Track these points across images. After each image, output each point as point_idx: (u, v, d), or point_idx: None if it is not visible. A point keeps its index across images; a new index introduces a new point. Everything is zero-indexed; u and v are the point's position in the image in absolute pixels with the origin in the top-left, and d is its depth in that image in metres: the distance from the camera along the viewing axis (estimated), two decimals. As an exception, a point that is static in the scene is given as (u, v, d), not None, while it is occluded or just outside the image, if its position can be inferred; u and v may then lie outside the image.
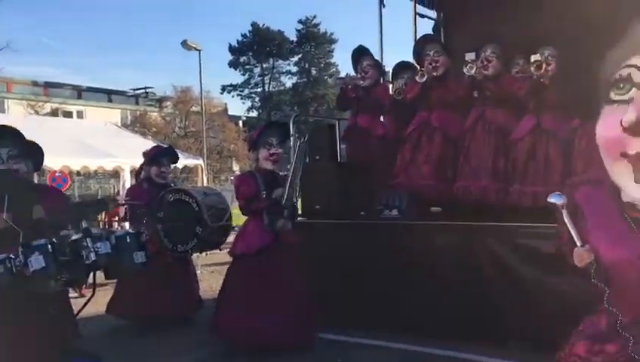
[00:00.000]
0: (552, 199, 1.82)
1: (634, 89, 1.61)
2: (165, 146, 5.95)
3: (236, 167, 31.61)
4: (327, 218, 5.43)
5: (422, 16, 7.68)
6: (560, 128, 4.70)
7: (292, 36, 44.22)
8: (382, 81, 6.32)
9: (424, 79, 5.38)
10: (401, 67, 6.32)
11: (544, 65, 4.73)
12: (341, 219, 5.33)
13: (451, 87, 5.37)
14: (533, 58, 4.79)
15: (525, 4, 6.03)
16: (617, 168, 1.65)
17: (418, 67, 5.76)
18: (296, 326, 4.31)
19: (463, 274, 4.40)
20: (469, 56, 5.21)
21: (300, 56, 45.02)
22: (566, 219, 1.78)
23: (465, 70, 5.14)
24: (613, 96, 1.66)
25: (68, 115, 29.03)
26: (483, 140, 5.10)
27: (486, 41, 5.27)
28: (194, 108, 29.85)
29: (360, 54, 6.03)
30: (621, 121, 1.58)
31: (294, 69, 45.46)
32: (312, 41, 44.18)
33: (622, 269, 1.67)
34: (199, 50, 19.38)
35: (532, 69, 4.78)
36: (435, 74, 5.39)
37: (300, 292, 4.42)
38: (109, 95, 38.82)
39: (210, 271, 8.39)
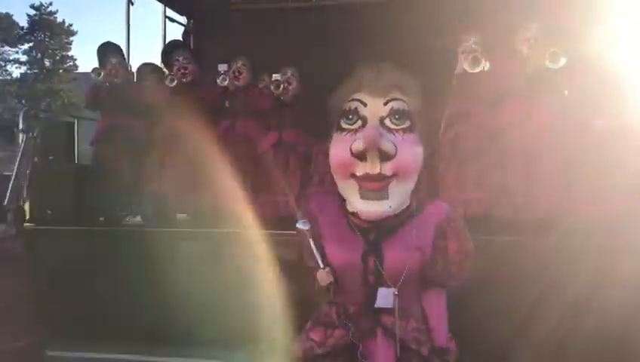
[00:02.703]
0: (299, 225, 2.03)
1: (359, 121, 1.96)
2: None
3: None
4: (60, 224, 4.96)
5: (172, 20, 7.58)
6: (300, 143, 5.13)
7: (22, 22, 39.59)
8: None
9: (174, 83, 5.32)
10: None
11: (283, 85, 5.12)
12: (77, 226, 4.93)
13: (201, 95, 5.41)
14: (274, 77, 5.15)
15: (272, 23, 6.44)
16: (346, 185, 1.99)
17: (167, 71, 5.69)
18: (16, 346, 3.82)
19: (207, 281, 4.42)
20: (222, 67, 5.34)
21: (31, 44, 40.47)
22: (311, 244, 2.00)
23: (218, 81, 5.27)
24: (343, 124, 1.99)
25: None
26: (233, 151, 5.25)
27: (236, 52, 5.46)
28: None
29: (107, 51, 5.68)
30: (350, 148, 1.91)
31: (24, 58, 40.66)
32: (47, 30, 40.09)
33: (347, 270, 1.98)
34: None
35: (272, 87, 5.15)
36: (184, 80, 5.37)
37: (22, 308, 3.92)
38: None
39: None
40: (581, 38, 4.43)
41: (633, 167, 3.77)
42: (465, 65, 4.41)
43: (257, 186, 5.18)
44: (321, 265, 1.98)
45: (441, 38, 5.09)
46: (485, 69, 4.36)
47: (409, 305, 2.00)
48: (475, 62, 4.36)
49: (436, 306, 2.07)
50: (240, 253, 4.46)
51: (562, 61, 4.29)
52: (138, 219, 4.92)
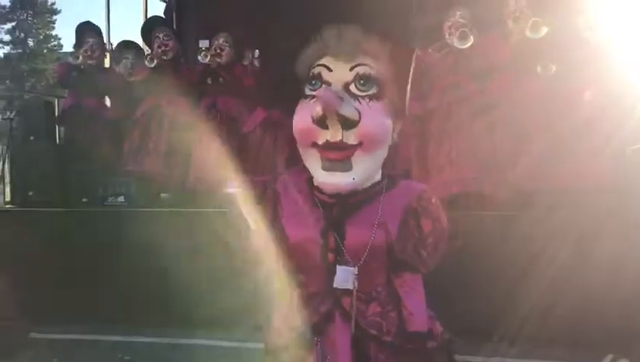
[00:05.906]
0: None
1: (323, 86, 1.83)
2: None
3: None
4: (42, 206, 4.89)
5: (153, -4, 7.45)
6: (287, 121, 4.99)
7: (4, 0, 38.82)
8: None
9: (154, 63, 5.22)
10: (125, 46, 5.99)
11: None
12: (59, 207, 4.85)
13: (183, 73, 5.32)
14: (201, 44, 5.10)
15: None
16: (308, 155, 1.87)
17: (147, 49, 5.59)
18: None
19: (190, 260, 4.38)
20: (203, 43, 5.24)
21: (14, 24, 39.76)
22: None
23: (199, 58, 5.18)
24: (307, 91, 1.87)
25: None
26: (215, 129, 5.18)
27: (218, 29, 5.35)
28: None
29: (85, 30, 5.56)
30: (311, 114, 1.79)
31: (7, 38, 39.97)
32: (30, 8, 39.37)
33: (307, 247, 1.86)
34: None
35: (255, 63, 5.04)
36: (165, 58, 5.27)
37: None
38: None
39: None
40: (566, 11, 4.38)
41: (620, 139, 3.74)
42: (454, 40, 4.34)
43: (242, 166, 5.12)
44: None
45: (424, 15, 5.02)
46: (473, 43, 4.29)
47: (372, 287, 1.88)
48: (464, 37, 4.29)
49: (411, 288, 1.91)
50: (226, 231, 4.43)
51: (543, 31, 4.23)
52: (121, 199, 4.85)
